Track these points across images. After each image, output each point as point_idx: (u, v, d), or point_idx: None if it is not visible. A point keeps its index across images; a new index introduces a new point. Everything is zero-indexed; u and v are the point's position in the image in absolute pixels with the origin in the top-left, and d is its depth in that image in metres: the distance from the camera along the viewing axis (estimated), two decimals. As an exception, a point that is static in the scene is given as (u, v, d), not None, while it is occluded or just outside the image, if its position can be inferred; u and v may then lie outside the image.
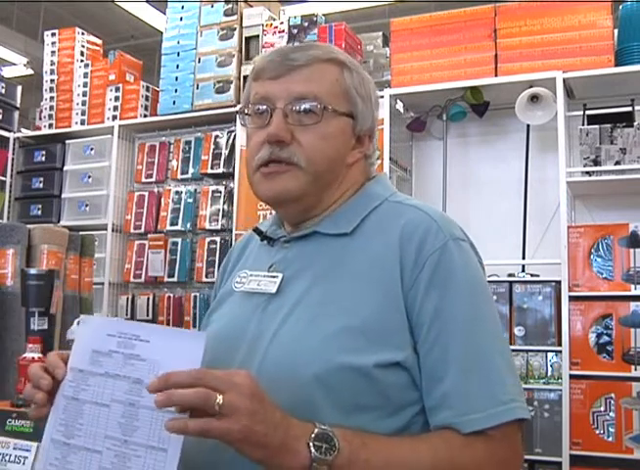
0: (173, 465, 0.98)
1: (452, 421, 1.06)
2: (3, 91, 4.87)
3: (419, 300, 1.11)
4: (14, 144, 4.89)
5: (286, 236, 1.27)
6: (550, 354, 3.27)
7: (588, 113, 3.55)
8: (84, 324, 1.12)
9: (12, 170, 4.89)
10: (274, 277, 1.21)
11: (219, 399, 0.92)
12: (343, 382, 1.06)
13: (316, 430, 0.98)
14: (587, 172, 3.37)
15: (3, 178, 4.85)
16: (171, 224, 4.31)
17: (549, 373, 3.26)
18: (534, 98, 3.49)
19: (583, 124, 3.49)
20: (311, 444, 0.97)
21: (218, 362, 1.16)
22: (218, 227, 4.12)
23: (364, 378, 1.07)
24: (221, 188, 4.18)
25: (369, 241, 1.18)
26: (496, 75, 3.59)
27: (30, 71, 10.12)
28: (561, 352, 3.20)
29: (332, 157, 1.21)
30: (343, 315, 1.10)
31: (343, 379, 1.06)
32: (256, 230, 1.34)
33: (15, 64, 10.26)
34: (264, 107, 1.21)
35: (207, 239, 4.17)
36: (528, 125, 3.71)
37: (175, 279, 4.24)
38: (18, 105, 5.00)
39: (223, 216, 4.13)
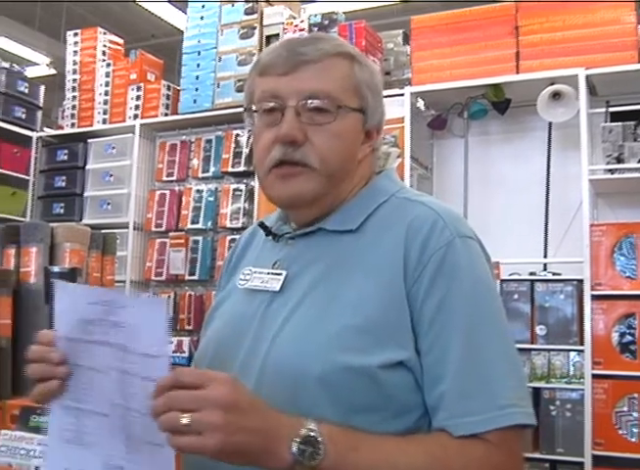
0: None
1: (446, 423, 1.04)
2: (26, 91, 4.91)
3: (421, 297, 1.08)
4: (37, 143, 4.94)
5: (291, 232, 1.25)
6: (572, 354, 3.25)
7: (611, 110, 3.52)
8: (61, 290, 1.10)
9: (35, 169, 4.94)
10: (278, 274, 1.19)
11: (185, 420, 0.90)
12: (347, 383, 1.04)
13: (303, 431, 0.95)
14: (610, 170, 3.34)
15: (26, 177, 4.90)
16: (192, 223, 4.32)
17: (571, 372, 3.24)
18: (556, 95, 3.46)
19: (606, 121, 3.46)
20: (294, 448, 0.94)
21: (220, 361, 1.15)
22: (239, 225, 4.13)
23: (368, 379, 1.04)
24: (242, 186, 4.20)
25: (375, 238, 1.15)
26: (517, 73, 3.57)
27: (53, 71, 10.19)
28: (583, 351, 3.18)
29: (345, 155, 1.18)
30: (347, 314, 1.08)
31: (347, 380, 1.04)
32: (262, 225, 1.32)
33: (38, 64, 10.35)
34: (274, 104, 1.17)
35: (228, 237, 4.17)
36: (550, 123, 3.69)
37: (196, 277, 4.26)
38: (41, 104, 5.05)
39: (244, 215, 4.14)
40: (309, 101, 1.15)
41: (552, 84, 3.46)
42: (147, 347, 1.00)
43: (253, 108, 1.21)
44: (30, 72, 8.65)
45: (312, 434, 0.96)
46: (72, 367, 1.07)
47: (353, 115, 1.19)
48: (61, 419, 1.08)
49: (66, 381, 1.07)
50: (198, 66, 4.38)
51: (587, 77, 3.38)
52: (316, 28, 4.02)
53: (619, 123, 3.32)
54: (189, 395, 0.93)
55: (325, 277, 1.14)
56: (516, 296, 3.37)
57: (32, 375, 1.09)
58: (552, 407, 3.24)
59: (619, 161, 3.29)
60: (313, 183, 1.16)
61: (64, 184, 4.83)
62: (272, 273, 1.20)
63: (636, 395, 3.05)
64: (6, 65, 5.10)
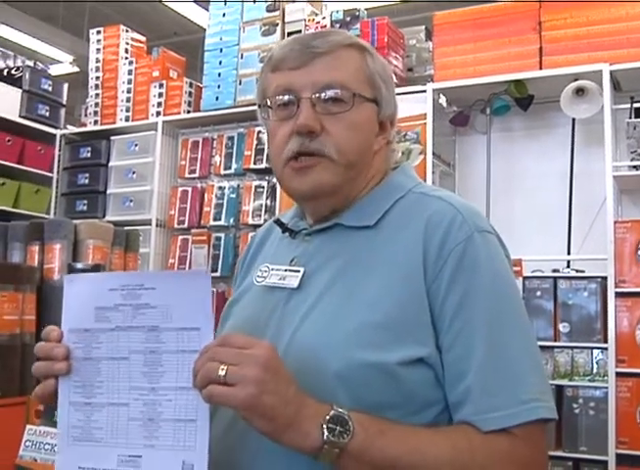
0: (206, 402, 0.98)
1: (472, 418, 1.04)
2: (50, 89, 4.96)
3: (442, 293, 1.07)
4: (60, 140, 4.99)
5: (307, 229, 1.24)
6: (596, 351, 3.22)
7: (636, 105, 3.48)
8: (73, 283, 1.09)
9: (58, 167, 4.99)
10: (296, 271, 1.18)
11: (222, 371, 0.92)
12: (366, 380, 1.04)
13: (332, 412, 0.96)
14: (634, 166, 3.31)
15: (50, 174, 4.95)
16: (214, 219, 4.34)
17: (594, 370, 3.21)
18: (580, 91, 3.43)
19: (630, 117, 3.42)
20: (324, 425, 0.95)
21: None
22: (261, 222, 4.13)
23: (387, 376, 1.04)
24: (264, 183, 4.21)
25: (393, 233, 1.15)
26: (541, 69, 3.54)
27: (76, 69, 10.27)
28: (607, 348, 3.15)
29: (361, 145, 1.18)
30: (365, 310, 1.08)
31: (366, 377, 1.04)
32: (278, 222, 1.31)
33: (61, 62, 10.43)
34: (289, 98, 1.17)
35: (250, 234, 4.18)
36: (574, 119, 3.66)
37: (218, 274, 4.27)
38: (64, 102, 5.10)
39: (266, 211, 4.15)
40: (324, 92, 1.15)
41: (576, 80, 3.43)
42: (185, 320, 1.00)
43: (268, 103, 1.21)
44: (54, 70, 8.72)
45: (341, 414, 0.97)
46: (82, 362, 1.06)
47: (368, 105, 1.19)
48: (68, 417, 1.07)
49: (65, 377, 1.07)
50: (220, 63, 4.40)
51: (611, 73, 3.35)
52: (338, 25, 4.02)
53: (644, 119, 3.29)
54: (232, 351, 0.95)
55: (343, 274, 1.14)
56: (539, 293, 3.35)
57: (36, 373, 1.09)
58: (575, 405, 3.21)
59: (644, 157, 3.26)
60: (331, 173, 1.16)
61: (87, 181, 4.87)
62: (290, 270, 1.20)
63: (661, 393, 3.03)
64: (30, 63, 5.15)
